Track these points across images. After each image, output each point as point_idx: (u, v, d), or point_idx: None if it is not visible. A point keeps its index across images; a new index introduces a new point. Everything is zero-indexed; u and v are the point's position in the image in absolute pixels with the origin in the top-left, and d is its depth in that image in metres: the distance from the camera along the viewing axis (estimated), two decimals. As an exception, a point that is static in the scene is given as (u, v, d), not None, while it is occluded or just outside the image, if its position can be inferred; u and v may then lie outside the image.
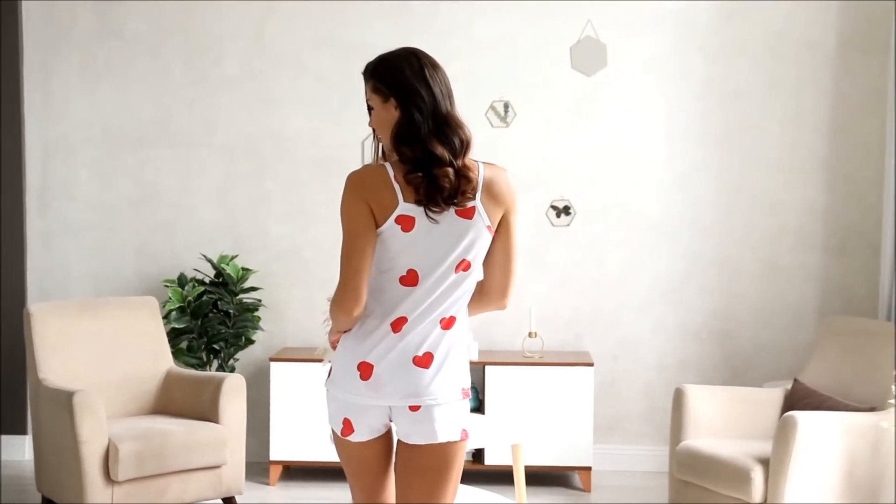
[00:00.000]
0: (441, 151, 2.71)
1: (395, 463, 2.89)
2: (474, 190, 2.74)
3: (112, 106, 6.02)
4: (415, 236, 2.74)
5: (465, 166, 2.74)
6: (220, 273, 5.71)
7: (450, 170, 2.70)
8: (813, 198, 5.83)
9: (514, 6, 5.86)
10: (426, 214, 2.71)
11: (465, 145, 2.75)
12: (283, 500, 5.35)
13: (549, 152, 5.91)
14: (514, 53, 5.88)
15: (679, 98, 5.85)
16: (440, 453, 2.80)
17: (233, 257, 5.78)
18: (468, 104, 5.88)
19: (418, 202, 2.72)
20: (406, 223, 2.73)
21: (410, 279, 2.76)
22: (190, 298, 5.60)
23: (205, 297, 5.63)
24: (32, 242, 6.05)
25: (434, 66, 2.82)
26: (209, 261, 5.77)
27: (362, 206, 2.73)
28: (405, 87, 2.77)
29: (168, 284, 5.70)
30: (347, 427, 2.83)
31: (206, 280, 5.79)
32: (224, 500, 4.93)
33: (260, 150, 5.99)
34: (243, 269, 5.72)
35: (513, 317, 5.86)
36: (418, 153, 2.72)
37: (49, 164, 6.04)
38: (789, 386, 5.00)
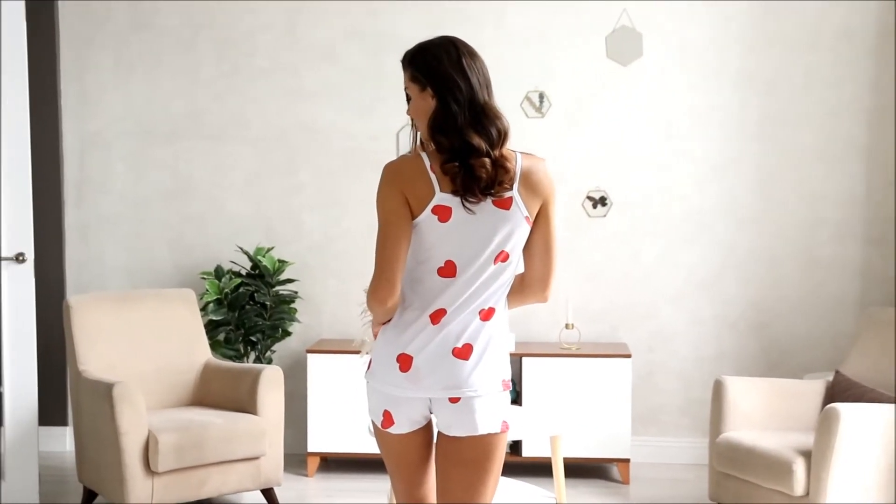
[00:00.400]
0: (478, 141, 2.69)
1: (436, 455, 2.88)
2: (511, 180, 2.72)
3: (145, 99, 6.05)
4: (452, 227, 2.72)
5: (502, 156, 2.72)
6: (256, 265, 5.72)
7: (486, 160, 2.69)
8: (852, 188, 5.77)
9: (549, -4, 5.83)
10: (463, 205, 2.70)
11: (502, 135, 2.73)
12: (322, 491, 5.37)
13: (584, 143, 5.88)
14: (549, 43, 5.85)
15: (716, 88, 5.81)
16: (481, 445, 2.78)
17: (269, 249, 5.79)
18: (502, 95, 5.83)
19: (455, 192, 2.70)
20: (443, 213, 2.72)
21: (448, 270, 2.75)
22: (227, 290, 5.62)
23: (241, 290, 5.65)
24: (70, 235, 6.09)
25: (472, 55, 2.80)
26: (245, 253, 5.78)
27: (398, 197, 2.72)
28: (442, 77, 2.75)
29: (205, 276, 5.72)
30: (388, 419, 2.82)
31: (243, 272, 5.81)
32: (263, 491, 4.94)
33: (292, 142, 5.99)
34: (279, 260, 5.73)
35: (549, 308, 5.84)
36: (455, 143, 2.70)
37: (85, 158, 6.07)
38: (830, 378, 4.96)
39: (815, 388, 4.90)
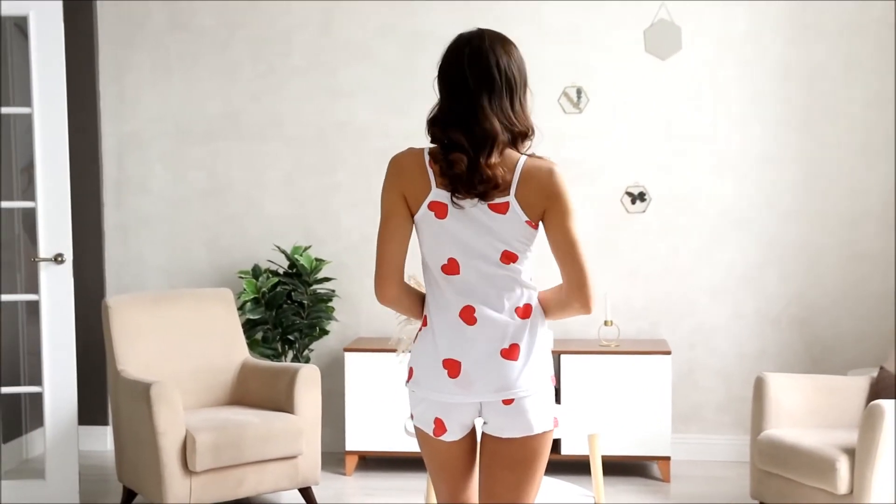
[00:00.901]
0: (458, 137, 2.66)
1: (481, 457, 2.84)
2: (507, 185, 2.66)
3: (183, 100, 6.07)
4: (449, 224, 2.70)
5: (491, 163, 2.64)
6: (293, 264, 5.72)
7: (464, 157, 2.64)
8: (895, 181, 5.67)
9: (585, -10, 5.78)
10: (452, 201, 2.68)
11: (490, 139, 2.65)
12: (360, 490, 5.36)
13: (622, 138, 5.83)
14: (587, 38, 5.80)
15: (755, 81, 5.73)
16: (532, 445, 2.75)
17: (306, 248, 5.79)
18: (539, 90, 5.79)
19: (446, 188, 2.69)
20: (439, 210, 2.70)
21: (451, 268, 2.73)
22: (264, 289, 5.63)
23: (279, 288, 5.65)
24: (109, 236, 6.13)
25: (477, 54, 2.74)
26: (283, 252, 5.79)
27: (396, 192, 2.73)
28: (443, 73, 2.76)
29: (242, 276, 5.73)
30: (440, 427, 2.78)
31: (280, 271, 5.81)
32: (301, 490, 4.94)
33: (329, 141, 5.99)
34: (317, 259, 5.73)
35: (587, 305, 5.78)
36: (440, 136, 2.70)
37: (124, 159, 6.11)
38: (874, 374, 4.87)
39: (858, 384, 4.82)
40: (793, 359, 5.75)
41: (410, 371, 2.81)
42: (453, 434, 2.79)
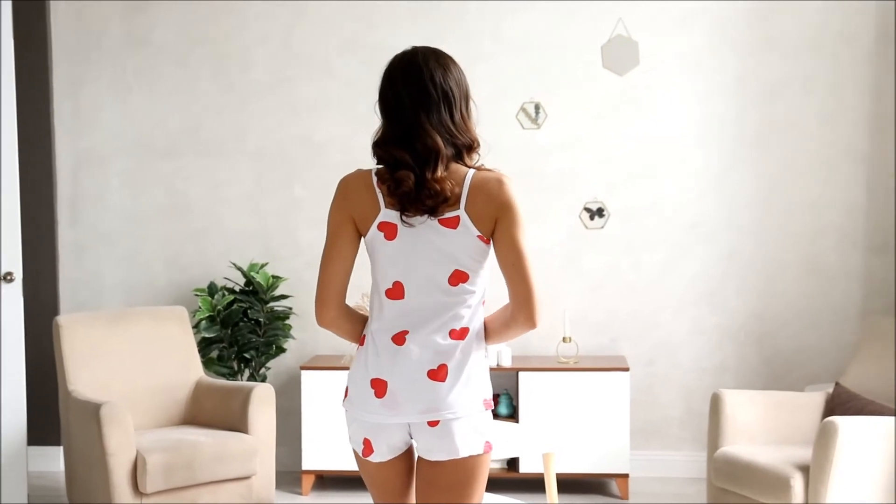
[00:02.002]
0: (401, 154, 2.64)
1: (416, 480, 2.80)
2: (456, 198, 2.64)
3: (142, 115, 6.01)
4: (399, 246, 2.67)
5: (437, 177, 2.62)
6: (249, 281, 5.67)
7: (410, 174, 2.62)
8: (854, 195, 5.68)
9: (543, 6, 5.77)
10: (401, 220, 2.65)
11: (433, 154, 2.63)
12: (316, 510, 5.31)
13: (581, 153, 5.81)
14: (544, 54, 5.79)
15: (713, 96, 5.73)
16: (462, 468, 2.70)
17: (262, 265, 5.74)
18: (498, 106, 5.81)
19: (394, 207, 2.66)
20: (388, 231, 2.67)
21: (396, 292, 2.69)
22: (220, 307, 5.57)
23: (235, 306, 5.60)
24: (64, 253, 6.05)
25: (409, 73, 2.72)
26: (239, 269, 5.73)
27: (344, 213, 2.71)
28: (381, 93, 2.75)
29: (198, 293, 5.67)
30: (368, 447, 2.74)
31: (237, 288, 5.76)
32: (255, 510, 4.88)
33: (290, 156, 5.95)
34: (273, 276, 5.68)
35: (546, 321, 5.76)
36: (384, 155, 2.69)
37: (80, 175, 6.04)
38: (830, 390, 4.87)
39: (814, 400, 4.81)
40: (753, 374, 5.75)
41: (346, 390, 2.78)
42: (381, 455, 2.75)
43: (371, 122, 5.86)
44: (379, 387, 2.68)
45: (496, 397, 5.64)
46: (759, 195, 5.74)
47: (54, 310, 5.99)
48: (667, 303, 5.80)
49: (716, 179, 5.76)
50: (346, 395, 2.78)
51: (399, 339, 2.69)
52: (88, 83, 6.01)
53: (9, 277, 4.85)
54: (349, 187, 2.73)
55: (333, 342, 5.83)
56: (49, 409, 5.92)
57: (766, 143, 5.72)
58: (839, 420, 4.14)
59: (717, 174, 5.76)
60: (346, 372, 5.21)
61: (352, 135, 5.88)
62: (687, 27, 5.72)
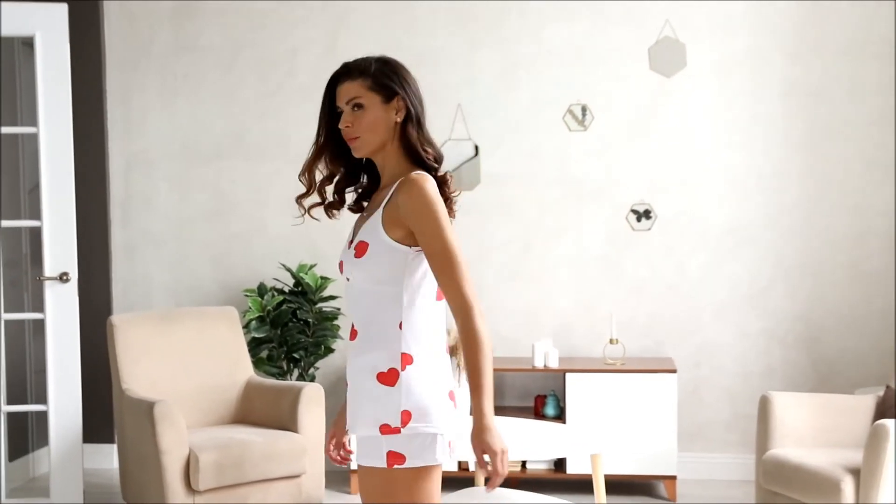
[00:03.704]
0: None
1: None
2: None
3: (189, 120, 6.10)
4: None
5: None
6: (298, 282, 5.73)
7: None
8: (902, 197, 5.65)
9: (590, 8, 5.79)
10: None
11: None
12: (364, 510, 5.34)
13: (627, 155, 5.82)
14: (592, 56, 5.81)
15: (760, 98, 5.72)
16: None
17: (311, 266, 5.80)
18: (544, 108, 5.84)
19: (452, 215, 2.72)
20: None
21: (439, 294, 2.70)
22: (269, 308, 5.64)
23: (284, 307, 5.66)
24: (116, 254, 6.15)
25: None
26: (288, 270, 5.80)
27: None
28: (417, 95, 2.75)
29: (248, 294, 5.74)
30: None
31: (286, 289, 5.82)
32: (304, 509, 4.94)
33: (337, 159, 5.99)
34: (322, 277, 5.74)
35: (593, 323, 5.78)
36: (437, 153, 2.73)
37: (130, 178, 6.14)
38: (881, 393, 4.84)
39: (864, 403, 4.79)
40: (800, 377, 5.73)
41: (451, 394, 2.68)
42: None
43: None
44: (453, 398, 2.68)
45: (543, 398, 5.67)
46: (804, 198, 5.72)
47: (107, 310, 6.09)
48: (712, 305, 5.80)
49: (761, 182, 5.75)
50: (452, 399, 2.68)
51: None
52: (138, 89, 6.11)
53: (65, 278, 4.94)
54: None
55: (381, 343, 5.86)
56: (103, 408, 6.03)
57: (811, 146, 5.70)
58: (890, 423, 4.12)
59: (762, 177, 5.75)
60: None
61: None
62: (734, 29, 5.71)
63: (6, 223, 5.06)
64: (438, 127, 5.88)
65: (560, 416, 5.56)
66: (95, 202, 6.08)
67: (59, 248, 4.96)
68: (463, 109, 5.88)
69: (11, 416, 5.53)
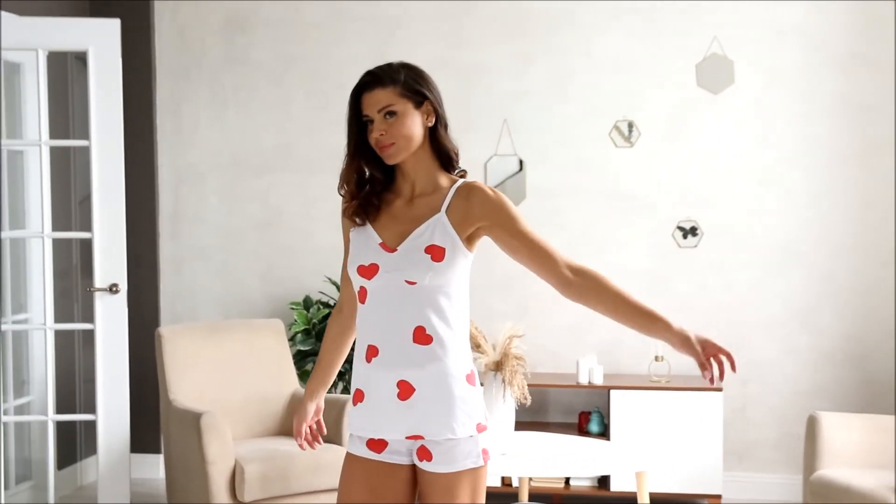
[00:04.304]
0: None
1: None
2: None
3: (238, 133, 6.16)
4: None
5: None
6: (344, 296, 5.75)
7: None
8: (955, 216, 5.57)
9: (637, 24, 5.78)
10: None
11: None
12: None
13: (674, 172, 5.80)
14: (638, 72, 5.80)
15: (809, 114, 5.67)
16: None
17: (357, 280, 5.82)
18: (591, 123, 5.83)
19: None
20: None
21: None
22: (315, 321, 5.67)
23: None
24: (165, 266, 6.22)
25: None
26: (334, 283, 5.83)
27: None
28: (438, 93, 2.80)
29: (294, 307, 5.78)
30: None
31: (331, 303, 5.85)
32: (348, 522, 4.94)
33: (383, 173, 6.02)
34: (367, 291, 5.75)
35: (638, 340, 5.76)
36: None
37: (180, 190, 6.21)
38: (931, 413, 4.78)
39: (915, 424, 4.73)
40: (849, 396, 5.66)
41: (481, 419, 2.74)
42: None
43: (466, 141, 5.96)
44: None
45: (588, 414, 5.65)
46: (854, 215, 5.66)
47: (155, 321, 6.15)
48: (760, 323, 5.75)
49: (810, 198, 5.70)
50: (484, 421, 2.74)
51: None
52: (189, 102, 6.18)
53: (114, 289, 5.00)
54: None
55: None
56: (149, 418, 6.09)
57: (862, 162, 5.64)
58: (941, 445, 4.07)
59: (811, 193, 5.70)
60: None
61: (445, 152, 5.93)
62: (783, 45, 5.67)
63: (57, 234, 5.13)
64: (483, 142, 5.89)
65: (604, 433, 5.54)
66: (145, 214, 6.15)
67: (110, 260, 5.02)
68: (509, 124, 5.89)
69: (60, 425, 5.60)
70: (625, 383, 5.51)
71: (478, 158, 5.89)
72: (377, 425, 2.70)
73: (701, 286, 5.79)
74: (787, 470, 5.70)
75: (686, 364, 5.77)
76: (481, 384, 4.72)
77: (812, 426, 4.65)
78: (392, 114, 2.68)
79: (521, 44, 5.87)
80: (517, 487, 5.38)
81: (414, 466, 2.73)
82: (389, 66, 2.74)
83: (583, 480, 5.46)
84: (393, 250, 2.68)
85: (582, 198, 5.86)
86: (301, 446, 3.02)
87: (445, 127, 2.77)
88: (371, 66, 6.03)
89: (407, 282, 2.65)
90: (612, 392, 5.44)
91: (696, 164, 5.78)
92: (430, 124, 2.74)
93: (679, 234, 5.79)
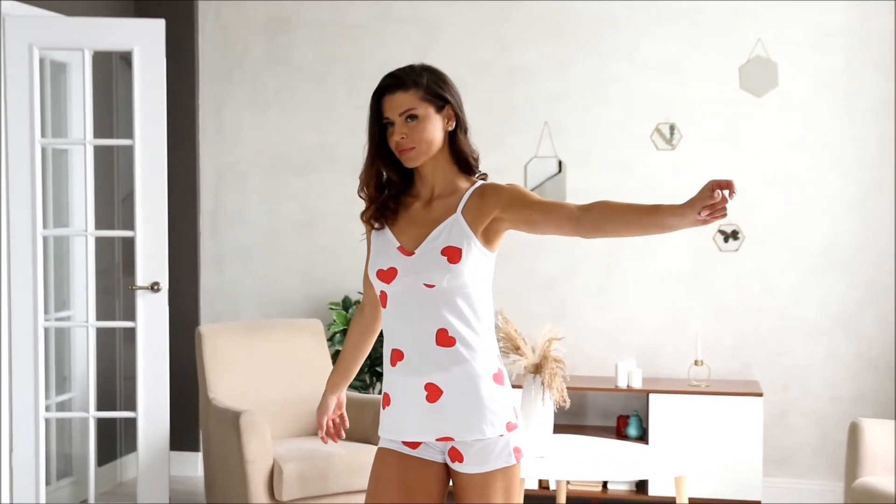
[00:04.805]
0: None
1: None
2: None
3: (279, 132, 6.18)
4: None
5: None
6: (383, 296, 5.76)
7: None
8: None
9: (679, 26, 5.74)
10: None
11: None
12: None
13: (716, 175, 5.75)
14: (680, 75, 5.76)
15: (853, 118, 5.61)
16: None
17: (396, 281, 5.83)
18: (631, 126, 5.80)
19: None
20: None
21: None
22: (354, 321, 5.67)
23: (368, 320, 5.69)
24: (205, 265, 6.26)
25: None
26: (373, 284, 5.83)
27: None
28: (458, 97, 2.77)
29: (333, 307, 5.79)
30: None
31: (370, 303, 5.85)
32: (385, 522, 4.95)
33: (423, 174, 6.03)
34: (406, 292, 5.75)
35: (677, 344, 5.72)
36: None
37: (221, 189, 6.24)
38: (976, 422, 4.71)
39: (959, 433, 4.66)
40: (890, 404, 5.59)
41: (513, 419, 2.73)
42: None
43: (506, 142, 5.96)
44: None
45: (626, 418, 5.62)
46: (900, 220, 5.60)
47: (195, 320, 6.19)
48: (801, 328, 5.69)
49: (854, 203, 5.64)
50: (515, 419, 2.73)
51: None
52: (231, 101, 6.22)
53: (156, 287, 5.03)
54: None
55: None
56: (189, 416, 6.12)
57: (908, 167, 5.58)
58: None
59: (855, 198, 5.64)
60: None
61: (483, 155, 5.91)
62: (828, 48, 5.62)
63: (100, 233, 5.18)
64: (524, 144, 5.88)
65: (643, 437, 5.50)
66: (186, 213, 6.20)
67: (151, 258, 5.06)
68: (550, 126, 5.87)
69: (101, 422, 5.65)
70: (664, 387, 5.47)
71: (518, 160, 5.88)
72: (407, 429, 2.71)
73: (742, 290, 5.74)
74: (827, 476, 5.64)
75: (726, 368, 5.73)
76: (519, 386, 4.72)
77: (854, 433, 4.59)
78: (413, 117, 2.68)
79: (562, 46, 5.85)
80: (555, 491, 5.36)
81: (446, 465, 2.73)
82: (412, 68, 2.73)
83: (621, 485, 5.43)
84: (411, 254, 2.69)
85: (623, 199, 5.82)
86: (323, 439, 3.07)
87: (466, 131, 2.76)
88: (413, 67, 5.99)
89: (426, 285, 2.65)
90: (650, 396, 5.41)
91: (738, 167, 5.73)
92: (450, 128, 2.73)
93: (720, 237, 5.75)
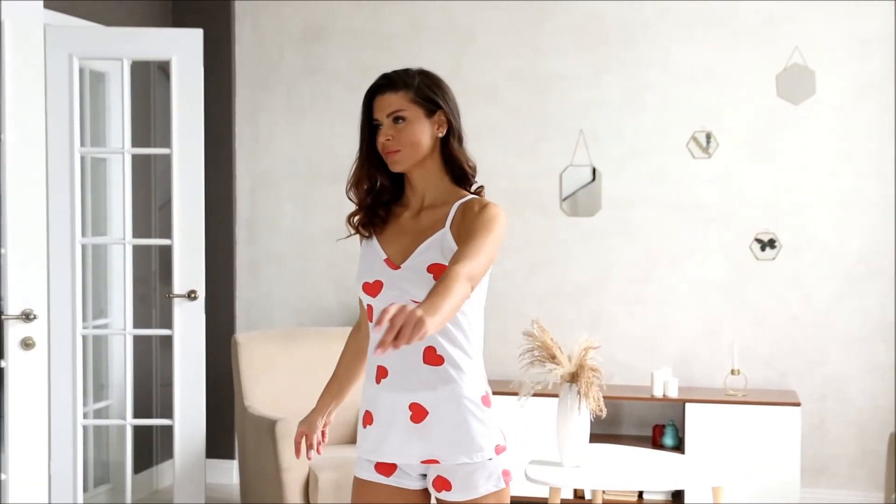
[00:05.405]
0: None
1: None
2: None
3: (314, 140, 6.21)
4: None
5: None
6: (417, 304, 5.76)
7: None
8: None
9: (716, 34, 5.72)
10: None
11: None
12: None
13: (753, 184, 5.72)
14: (717, 82, 5.73)
15: (892, 124, 5.56)
16: None
17: (430, 289, 5.83)
18: (667, 135, 5.78)
19: None
20: None
21: None
22: (388, 329, 5.67)
23: (403, 329, 5.69)
24: (241, 273, 6.29)
25: None
26: (407, 292, 5.83)
27: None
28: (454, 103, 2.71)
29: (368, 315, 5.79)
30: None
31: (405, 311, 5.85)
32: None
33: (458, 182, 6.02)
34: (440, 300, 5.75)
35: (714, 353, 5.69)
36: (476, 169, 2.73)
37: (256, 197, 6.27)
38: None
39: None
40: (931, 414, 5.53)
41: (501, 441, 2.67)
42: None
43: (541, 150, 5.95)
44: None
45: (662, 427, 5.59)
46: (940, 228, 5.54)
47: (231, 327, 6.22)
48: (839, 337, 5.64)
49: (892, 212, 5.58)
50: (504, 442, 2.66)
51: None
52: (266, 109, 6.25)
53: (192, 295, 5.06)
54: None
55: (497, 368, 5.87)
56: (225, 424, 6.15)
57: (949, 175, 5.52)
58: None
59: (893, 206, 5.58)
60: (512, 397, 5.25)
61: (518, 163, 5.93)
62: (866, 56, 5.57)
63: (138, 241, 5.21)
64: (559, 152, 5.87)
65: (678, 447, 5.47)
66: (222, 221, 6.23)
67: (188, 267, 5.09)
68: (585, 134, 5.86)
69: (137, 430, 5.68)
70: (700, 396, 5.44)
71: (553, 168, 5.87)
72: (389, 449, 2.62)
73: (778, 299, 5.70)
74: (866, 487, 5.59)
75: (762, 377, 5.69)
76: (555, 395, 4.70)
77: (894, 444, 4.54)
78: (401, 119, 2.62)
79: (597, 53, 5.84)
80: (590, 500, 5.34)
81: (424, 491, 2.66)
82: (406, 70, 2.68)
83: (657, 494, 5.40)
84: (397, 267, 2.60)
85: (658, 209, 5.81)
86: (297, 454, 2.93)
87: (460, 139, 2.67)
88: (446, 76, 6.04)
89: (413, 301, 2.54)
90: (687, 405, 5.38)
91: (775, 176, 5.69)
92: (440, 134, 2.65)
93: (757, 246, 5.71)
